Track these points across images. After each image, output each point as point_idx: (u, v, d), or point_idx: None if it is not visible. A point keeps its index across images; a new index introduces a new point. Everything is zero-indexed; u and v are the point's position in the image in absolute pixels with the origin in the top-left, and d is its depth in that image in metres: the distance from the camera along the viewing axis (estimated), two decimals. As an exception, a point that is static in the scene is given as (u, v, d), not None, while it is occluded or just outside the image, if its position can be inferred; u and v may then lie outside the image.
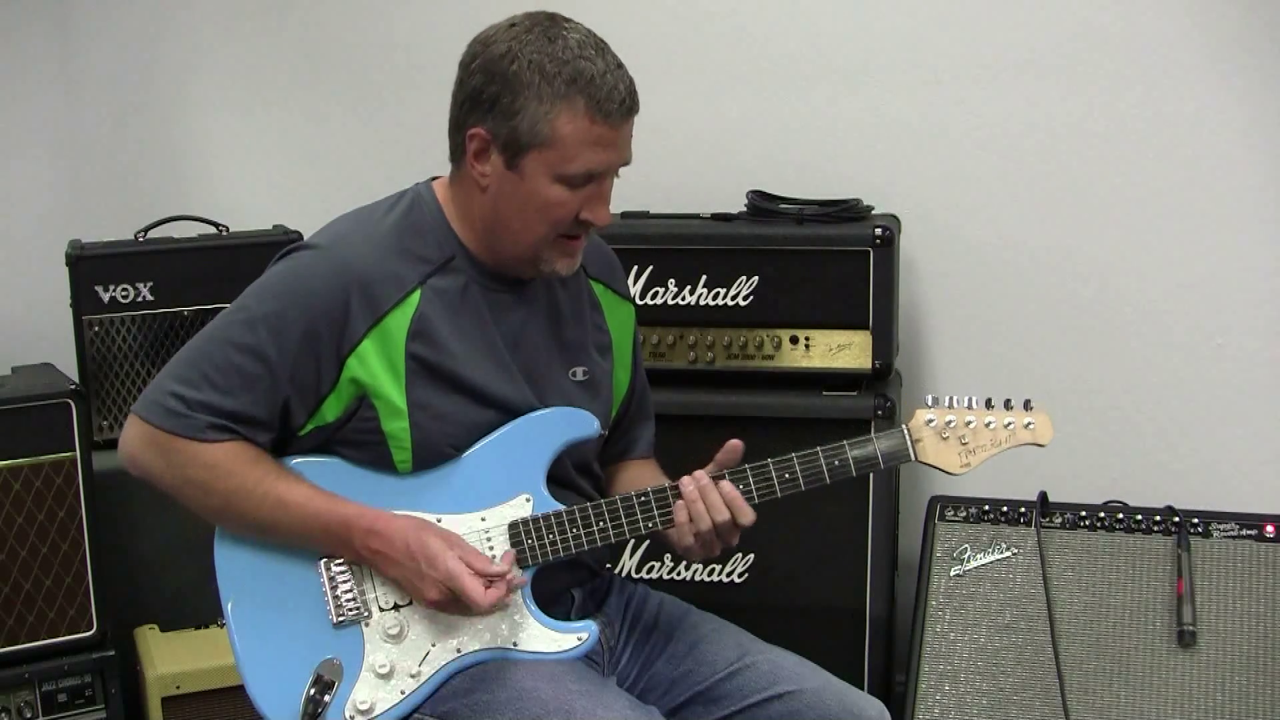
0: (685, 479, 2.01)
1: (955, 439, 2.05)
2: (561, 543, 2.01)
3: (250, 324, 1.96)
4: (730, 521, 2.00)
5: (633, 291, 2.78)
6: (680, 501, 2.00)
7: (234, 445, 1.97)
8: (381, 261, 1.97)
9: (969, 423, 2.05)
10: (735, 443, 2.02)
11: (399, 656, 2.00)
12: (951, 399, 2.06)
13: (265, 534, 2.01)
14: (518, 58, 1.92)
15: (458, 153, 2.01)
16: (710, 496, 1.99)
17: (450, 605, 1.96)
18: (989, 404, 2.06)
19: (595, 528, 2.01)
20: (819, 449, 2.03)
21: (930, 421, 2.05)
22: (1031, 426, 2.06)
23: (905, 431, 2.05)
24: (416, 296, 1.98)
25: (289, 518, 1.97)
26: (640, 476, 2.24)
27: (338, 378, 1.97)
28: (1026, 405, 2.07)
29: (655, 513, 2.02)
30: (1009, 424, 2.05)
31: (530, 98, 1.91)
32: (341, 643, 2.00)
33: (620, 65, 1.96)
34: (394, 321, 1.97)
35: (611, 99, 1.92)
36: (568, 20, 1.97)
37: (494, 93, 1.93)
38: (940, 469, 2.06)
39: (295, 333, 1.94)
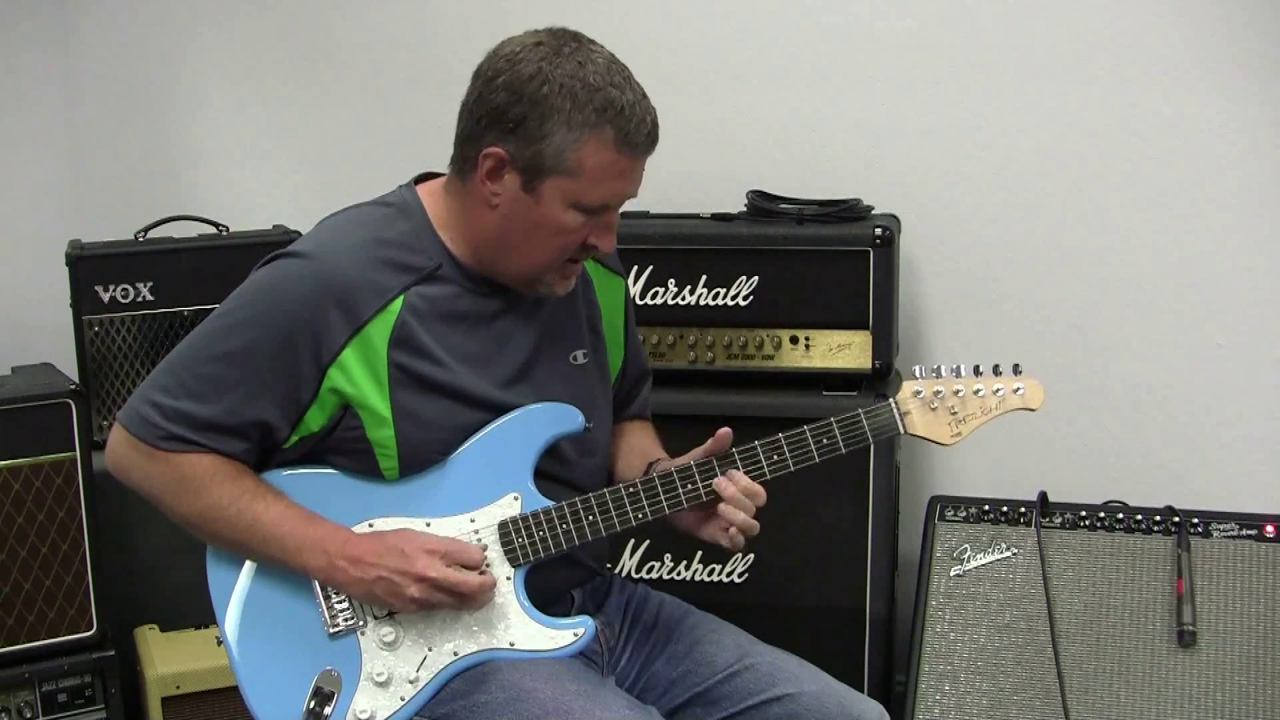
0: (719, 481, 2.00)
1: (945, 409, 2.03)
2: (553, 539, 2.01)
3: (228, 332, 1.97)
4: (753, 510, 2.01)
5: (633, 292, 2.78)
6: (721, 504, 2.00)
7: (213, 459, 1.97)
8: (362, 271, 1.96)
9: (957, 391, 2.03)
10: (726, 431, 2.02)
11: (396, 663, 2.00)
12: (940, 367, 2.04)
13: (241, 551, 2.02)
14: (548, 80, 1.88)
15: (466, 167, 1.98)
16: (751, 493, 2.00)
17: (439, 598, 1.95)
18: (977, 370, 2.04)
19: (585, 521, 2.01)
20: (806, 428, 2.02)
21: (918, 393, 2.03)
22: (1021, 392, 2.03)
23: (893, 405, 2.03)
24: (398, 304, 1.97)
25: (259, 537, 1.97)
26: (636, 444, 2.25)
27: (318, 388, 1.96)
28: (1015, 370, 2.05)
29: (645, 504, 2.01)
30: (998, 390, 2.03)
31: (559, 123, 1.88)
32: (338, 653, 2.00)
33: (645, 95, 1.94)
34: (375, 330, 1.96)
35: (639, 131, 1.91)
36: (591, 41, 1.94)
37: (519, 114, 1.89)
38: (931, 440, 2.04)
39: (272, 342, 1.94)
